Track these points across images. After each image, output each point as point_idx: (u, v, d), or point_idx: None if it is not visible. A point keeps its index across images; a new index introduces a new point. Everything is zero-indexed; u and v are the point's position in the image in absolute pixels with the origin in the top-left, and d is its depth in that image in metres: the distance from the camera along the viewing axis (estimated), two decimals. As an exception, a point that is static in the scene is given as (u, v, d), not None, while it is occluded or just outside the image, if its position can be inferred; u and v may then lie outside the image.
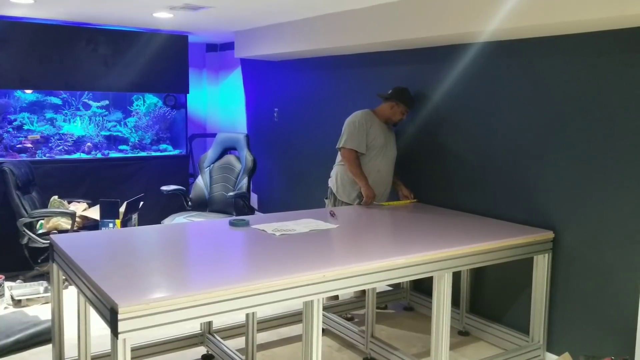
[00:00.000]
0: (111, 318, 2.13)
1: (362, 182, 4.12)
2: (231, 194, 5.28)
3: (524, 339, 3.58)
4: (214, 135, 6.26)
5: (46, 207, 4.96)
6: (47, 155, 5.71)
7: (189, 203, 5.63)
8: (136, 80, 5.94)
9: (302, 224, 3.45)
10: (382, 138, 4.22)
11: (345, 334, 3.77)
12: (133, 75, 5.91)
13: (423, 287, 4.33)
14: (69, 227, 4.76)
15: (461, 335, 3.95)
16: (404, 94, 4.26)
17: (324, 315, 3.82)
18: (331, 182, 4.38)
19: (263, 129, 6.40)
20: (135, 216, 5.07)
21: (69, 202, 5.15)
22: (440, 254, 2.95)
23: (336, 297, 4.24)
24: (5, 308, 4.26)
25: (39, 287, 4.49)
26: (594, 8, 2.82)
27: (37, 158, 5.59)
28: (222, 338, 3.51)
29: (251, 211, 5.40)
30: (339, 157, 4.33)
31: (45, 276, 4.71)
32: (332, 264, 2.66)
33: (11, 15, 5.09)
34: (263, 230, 3.28)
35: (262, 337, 3.77)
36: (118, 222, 4.66)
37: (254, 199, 6.48)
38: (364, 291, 3.99)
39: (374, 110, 4.31)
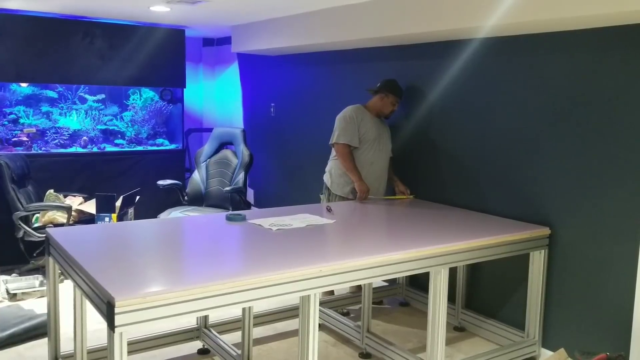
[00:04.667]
0: (108, 312, 2.12)
1: (355, 177, 4.13)
2: (227, 188, 5.28)
3: (520, 335, 3.59)
4: (210, 129, 6.25)
5: (42, 200, 4.94)
6: (43, 148, 5.70)
7: (185, 198, 5.63)
8: (133, 74, 5.93)
9: (298, 219, 3.45)
10: (374, 131, 4.23)
11: (341, 329, 3.77)
12: (129, 69, 5.90)
13: (419, 282, 4.34)
14: (64, 221, 4.75)
15: (457, 330, 3.96)
16: (392, 85, 4.28)
17: (320, 310, 3.82)
18: (326, 177, 4.39)
19: (260, 124, 6.39)
20: (131, 210, 5.06)
21: (65, 196, 5.14)
22: (437, 250, 2.95)
23: (332, 292, 4.24)
24: (1, 302, 4.25)
25: (34, 280, 4.48)
26: (592, 4, 2.82)
27: (33, 151, 5.57)
28: (218, 332, 3.52)
29: (247, 206, 5.40)
30: (333, 152, 4.34)
31: (40, 270, 4.71)
32: (329, 259, 2.66)
33: (7, 8, 5.07)
34: (260, 225, 3.28)
35: (258, 332, 3.78)
36: (114, 216, 4.65)
37: (250, 194, 6.47)
38: (359, 286, 4.00)
39: (365, 105, 4.33)
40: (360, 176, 4.13)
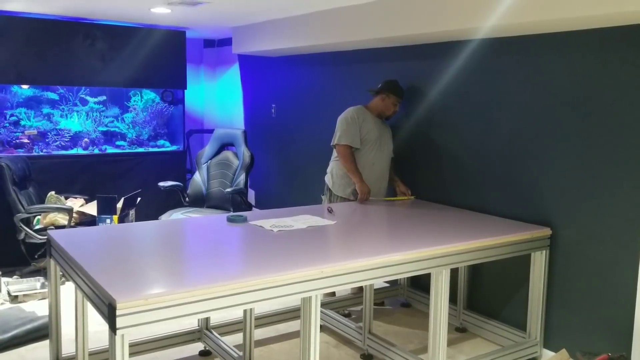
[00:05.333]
0: (109, 314, 2.12)
1: (357, 178, 4.13)
2: (228, 190, 5.28)
3: (521, 336, 3.58)
4: (211, 131, 6.25)
5: (43, 202, 4.94)
6: (44, 150, 5.70)
7: (187, 199, 5.63)
8: (133, 76, 5.93)
9: (299, 220, 3.45)
10: (375, 132, 4.23)
11: (343, 330, 3.77)
12: (130, 70, 5.90)
13: (420, 283, 4.34)
14: (66, 222, 4.75)
15: (458, 331, 3.96)
16: (393, 85, 4.29)
17: (321, 311, 3.82)
18: (327, 178, 4.39)
19: (260, 125, 6.40)
20: (132, 212, 5.06)
21: (66, 198, 5.14)
22: (438, 251, 2.95)
23: (333, 294, 4.24)
24: (2, 304, 4.25)
25: (35, 282, 4.48)
26: (592, 5, 2.82)
27: (34, 153, 5.57)
28: (219, 334, 3.51)
29: (248, 207, 5.39)
30: (334, 153, 4.34)
31: (42, 272, 4.70)
32: (330, 260, 2.66)
33: (8, 9, 5.07)
34: (261, 226, 3.28)
35: (259, 333, 3.77)
36: (115, 217, 4.65)
37: (251, 195, 6.47)
38: (361, 287, 3.99)
39: (367, 105, 4.34)
40: (361, 177, 4.13)
